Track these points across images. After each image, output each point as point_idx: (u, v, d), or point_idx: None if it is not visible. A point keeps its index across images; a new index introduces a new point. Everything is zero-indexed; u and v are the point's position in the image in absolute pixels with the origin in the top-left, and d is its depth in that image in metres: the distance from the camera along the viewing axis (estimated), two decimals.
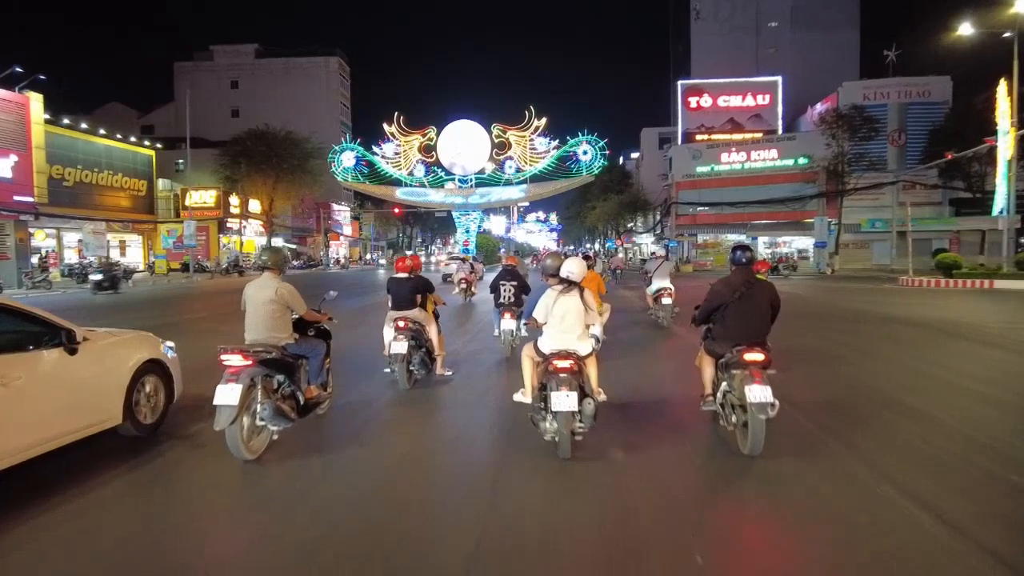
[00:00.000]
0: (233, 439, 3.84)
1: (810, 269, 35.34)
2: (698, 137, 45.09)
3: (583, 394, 3.95)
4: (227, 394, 3.76)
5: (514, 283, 7.86)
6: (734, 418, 4.10)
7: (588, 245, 71.98)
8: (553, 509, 3.34)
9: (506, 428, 4.84)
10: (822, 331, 10.35)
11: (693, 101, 46.48)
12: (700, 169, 41.59)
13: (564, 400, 3.80)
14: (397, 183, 36.94)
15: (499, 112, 44.84)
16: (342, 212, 57.05)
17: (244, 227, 40.31)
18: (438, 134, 35.65)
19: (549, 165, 34.67)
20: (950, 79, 37.66)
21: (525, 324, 4.70)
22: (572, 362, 4.00)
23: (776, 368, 4.24)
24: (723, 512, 3.37)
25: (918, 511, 3.22)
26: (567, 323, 4.21)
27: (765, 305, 4.26)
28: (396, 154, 36.10)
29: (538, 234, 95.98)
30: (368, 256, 63.12)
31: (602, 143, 33.96)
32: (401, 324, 5.94)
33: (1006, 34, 20.89)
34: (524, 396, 4.48)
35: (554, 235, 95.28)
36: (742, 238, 37.58)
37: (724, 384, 4.25)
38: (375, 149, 36.25)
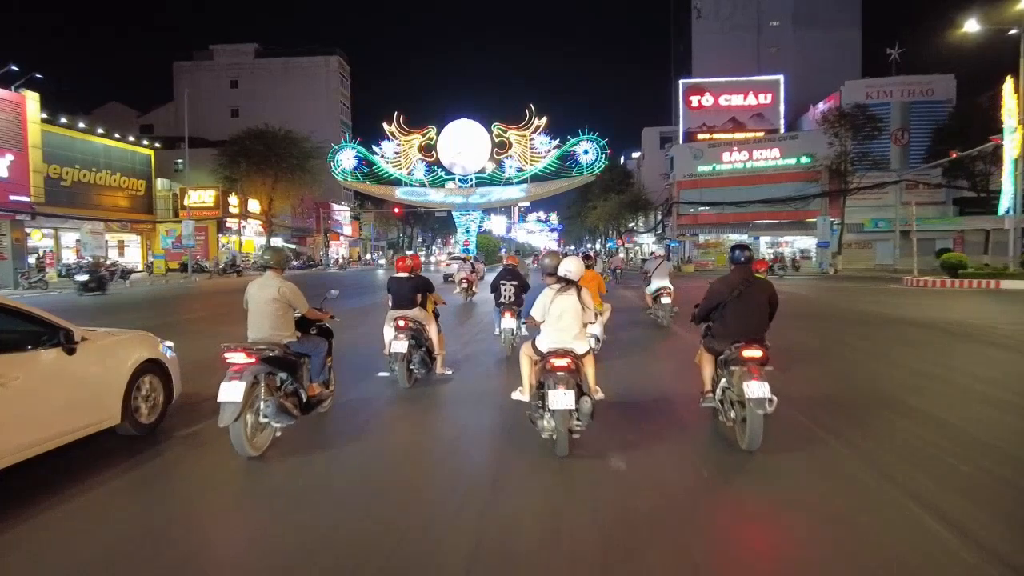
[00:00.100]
0: (237, 436, 3.88)
1: (813, 269, 35.17)
2: (699, 136, 44.89)
3: (580, 392, 3.99)
4: (231, 391, 3.81)
5: (514, 283, 7.91)
6: (733, 414, 4.18)
7: (589, 245, 71.80)
8: (553, 507, 3.34)
9: (506, 426, 4.84)
10: (827, 332, 10.28)
11: (694, 100, 46.28)
12: (701, 168, 41.42)
13: (561, 398, 3.85)
14: (397, 183, 36.84)
15: (499, 112, 44.63)
16: (342, 212, 56.95)
17: (243, 227, 40.18)
18: (438, 133, 35.57)
19: (550, 165, 34.51)
20: (954, 77, 37.53)
21: (524, 323, 4.71)
22: (569, 360, 4.04)
23: (776, 367, 4.28)
24: (721, 506, 3.38)
25: (918, 510, 3.22)
26: (564, 322, 4.23)
27: (763, 303, 4.34)
28: (396, 153, 36.02)
29: (539, 234, 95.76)
30: (368, 256, 62.96)
31: (603, 142, 33.82)
32: (401, 323, 5.97)
33: (1012, 31, 20.65)
34: (522, 394, 4.50)
35: (555, 235, 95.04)
36: (744, 238, 37.40)
37: (723, 381, 4.33)
38: (375, 148, 36.17)
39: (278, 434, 4.26)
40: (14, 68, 23.55)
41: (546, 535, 3.01)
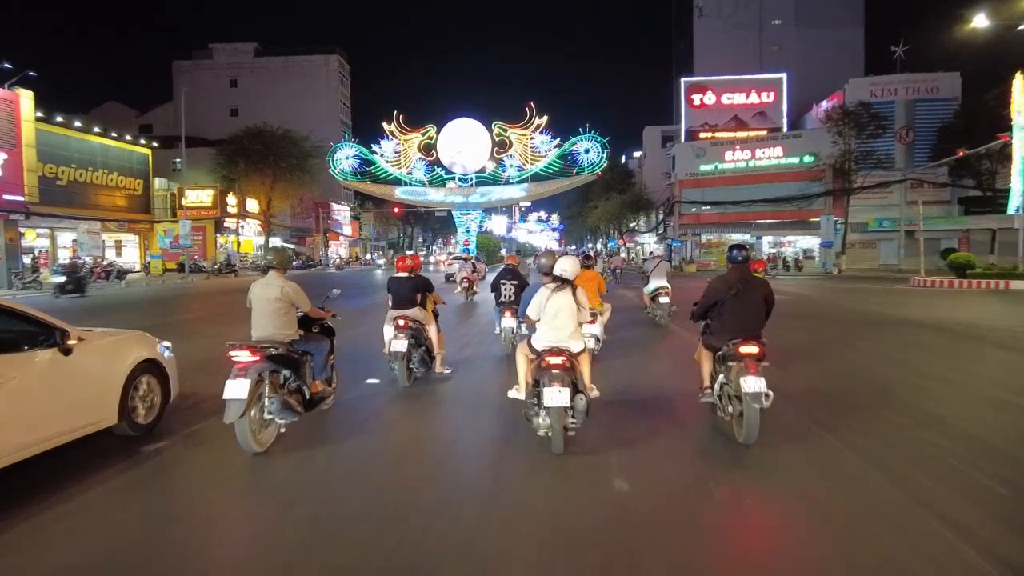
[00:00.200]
0: (242, 432, 3.95)
1: (816, 269, 34.89)
2: (701, 135, 44.61)
3: (575, 390, 4.06)
4: (236, 388, 3.88)
5: (514, 282, 7.97)
6: (731, 408, 4.30)
7: (590, 245, 71.52)
8: (552, 505, 3.34)
9: (505, 425, 4.86)
10: (829, 332, 10.19)
11: (696, 99, 46.00)
12: (703, 167, 41.12)
13: (556, 396, 3.90)
14: (397, 182, 36.63)
15: (499, 111, 44.39)
16: (342, 212, 56.78)
17: (241, 227, 39.92)
18: (438, 132, 35.33)
19: (551, 164, 34.23)
20: (959, 75, 37.14)
21: (521, 322, 4.65)
22: (564, 359, 4.09)
23: (775, 365, 4.45)
24: (719, 501, 3.42)
25: (918, 508, 3.22)
26: (560, 320, 4.27)
27: (760, 301, 4.45)
28: (396, 153, 35.81)
29: (539, 234, 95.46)
30: (368, 256, 62.66)
31: (605, 140, 33.54)
32: (401, 323, 6.03)
33: (1021, 27, 20.29)
34: (518, 392, 4.54)
35: (556, 235, 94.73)
36: (746, 238, 37.14)
37: (721, 376, 4.45)
38: (374, 148, 35.95)
39: (282, 430, 4.36)
40: (7, 66, 23.30)
41: (545, 534, 3.02)
